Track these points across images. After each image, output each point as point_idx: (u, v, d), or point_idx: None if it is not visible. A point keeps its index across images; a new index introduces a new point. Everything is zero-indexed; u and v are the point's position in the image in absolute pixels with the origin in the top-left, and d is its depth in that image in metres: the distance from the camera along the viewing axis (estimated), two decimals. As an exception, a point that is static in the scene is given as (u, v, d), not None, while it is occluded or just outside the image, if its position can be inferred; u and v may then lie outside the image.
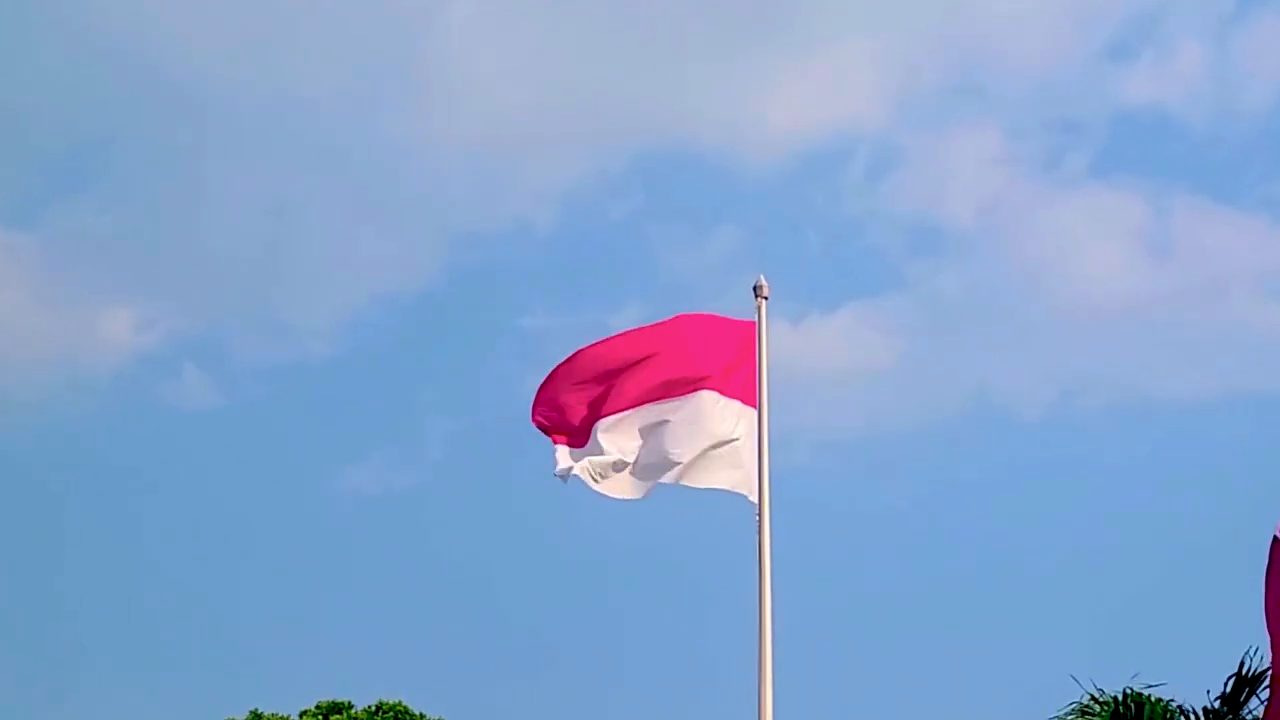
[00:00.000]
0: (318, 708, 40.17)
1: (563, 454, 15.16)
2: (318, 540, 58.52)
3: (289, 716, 39.99)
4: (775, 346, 15.30)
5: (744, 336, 15.25)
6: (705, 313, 15.62)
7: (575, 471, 14.95)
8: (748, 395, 15.13)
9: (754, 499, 14.66)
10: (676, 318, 15.61)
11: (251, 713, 40.07)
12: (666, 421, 15.11)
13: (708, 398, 15.19)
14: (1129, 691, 19.70)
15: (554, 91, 65.75)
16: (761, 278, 15.33)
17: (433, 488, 61.77)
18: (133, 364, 65.63)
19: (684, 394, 15.21)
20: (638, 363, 15.32)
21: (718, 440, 15.05)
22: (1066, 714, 19.81)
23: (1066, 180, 66.41)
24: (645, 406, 15.19)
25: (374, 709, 40.67)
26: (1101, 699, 19.75)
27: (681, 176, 67.19)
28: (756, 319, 15.22)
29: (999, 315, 64.77)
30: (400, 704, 40.91)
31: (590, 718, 49.42)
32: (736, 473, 14.95)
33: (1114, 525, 56.60)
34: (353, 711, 40.21)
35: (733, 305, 15.57)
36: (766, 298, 15.31)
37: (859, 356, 64.15)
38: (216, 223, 67.03)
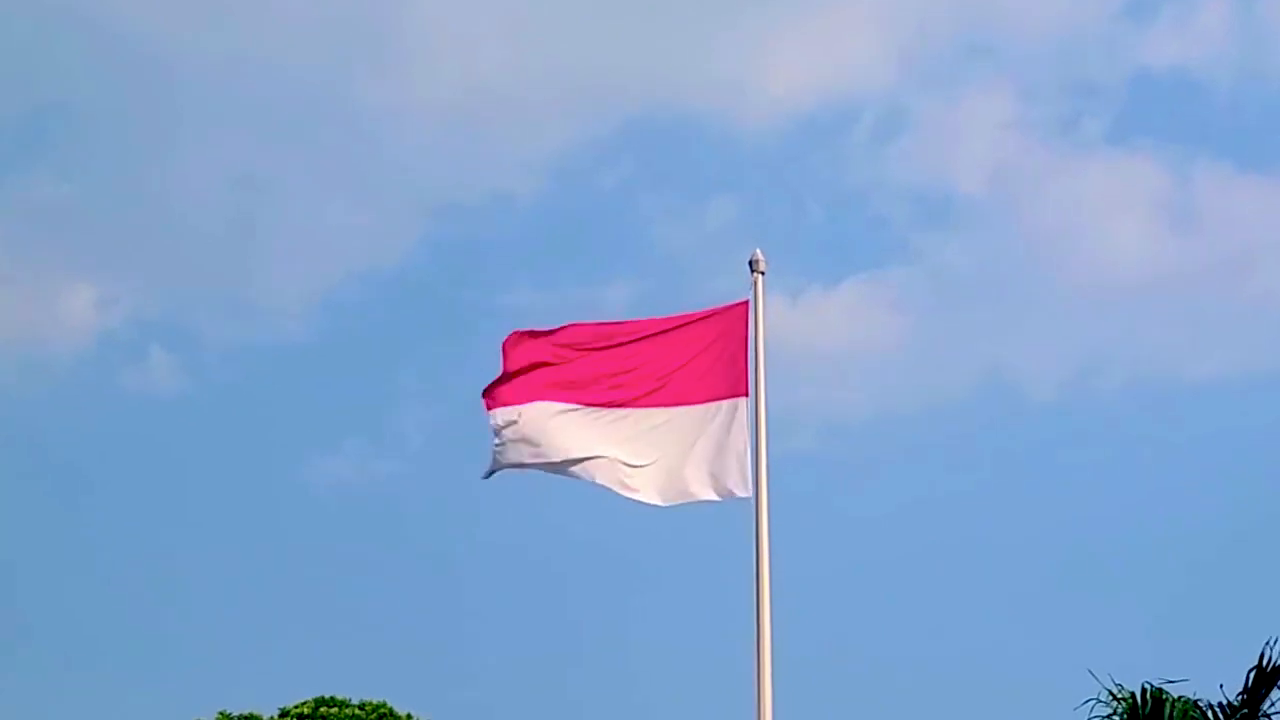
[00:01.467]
0: (311, 701, 40.24)
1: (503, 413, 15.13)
2: (290, 532, 58.50)
3: (261, 716, 40.01)
4: (773, 325, 15.31)
5: (735, 321, 15.24)
6: (704, 310, 15.51)
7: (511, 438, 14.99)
8: (734, 387, 15.12)
9: (738, 492, 14.67)
10: (680, 326, 15.48)
11: (220, 714, 40.10)
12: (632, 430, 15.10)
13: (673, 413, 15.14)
14: (1147, 687, 19.72)
15: (537, 54, 65.62)
16: (758, 251, 15.27)
17: (412, 477, 61.79)
18: (94, 346, 65.55)
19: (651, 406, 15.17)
20: (620, 358, 15.29)
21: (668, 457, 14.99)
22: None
23: (1083, 146, 66.39)
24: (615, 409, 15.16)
25: (357, 707, 40.72)
26: (1120, 694, 19.77)
27: (674, 143, 67.13)
28: (752, 296, 15.20)
29: (1011, 290, 64.76)
30: (384, 704, 40.96)
31: (583, 718, 49.53)
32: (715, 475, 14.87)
33: (1132, 512, 56.67)
34: (349, 709, 40.31)
35: (729, 280, 15.53)
36: (763, 273, 15.25)
37: (863, 334, 64.15)
38: (183, 194, 66.91)
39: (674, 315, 15.50)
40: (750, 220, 61.00)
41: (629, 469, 14.93)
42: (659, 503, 14.90)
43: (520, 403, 15.20)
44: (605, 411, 15.14)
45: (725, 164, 66.45)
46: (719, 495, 14.72)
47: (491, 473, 15.28)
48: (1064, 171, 66.11)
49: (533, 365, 15.33)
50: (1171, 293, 63.19)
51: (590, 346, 15.38)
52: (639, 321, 15.52)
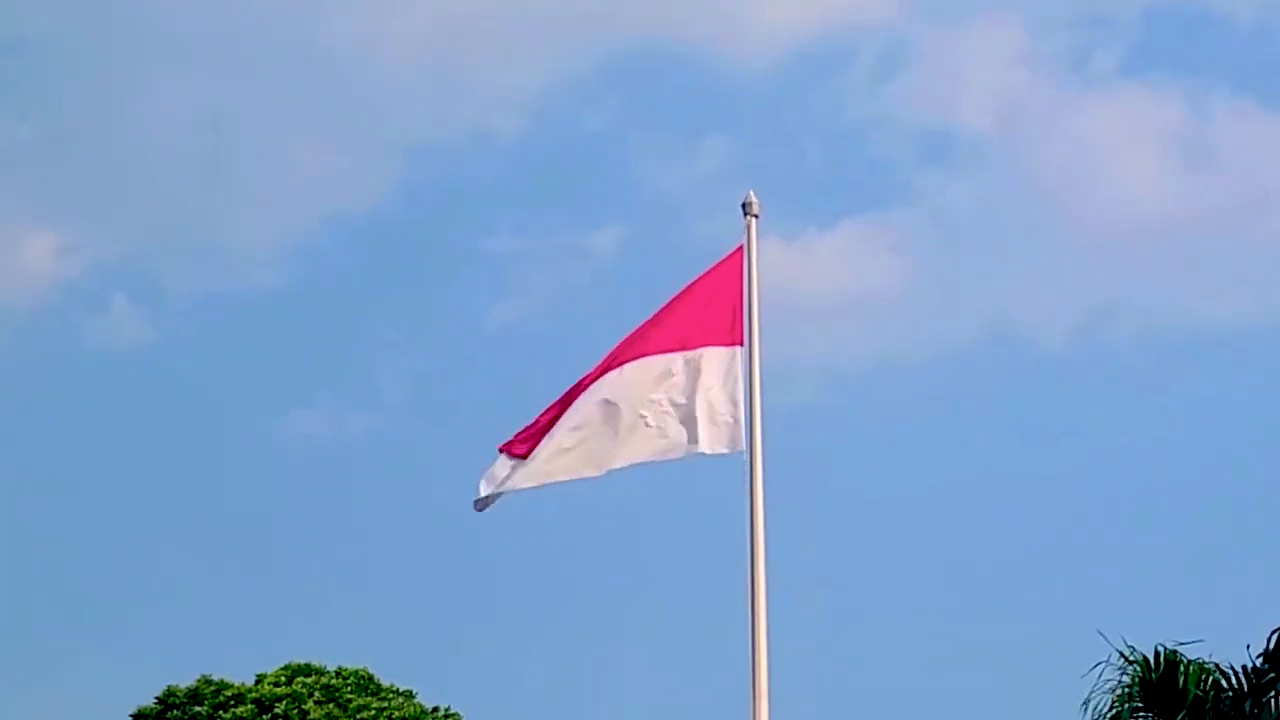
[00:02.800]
0: (284, 669, 40.30)
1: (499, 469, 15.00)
2: (261, 491, 58.52)
3: (242, 684, 40.07)
4: (766, 269, 15.21)
5: (728, 271, 15.13)
6: (695, 279, 15.38)
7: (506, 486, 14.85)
8: (730, 334, 15.00)
9: (732, 447, 14.60)
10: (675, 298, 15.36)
11: (201, 678, 40.18)
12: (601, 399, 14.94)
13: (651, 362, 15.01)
14: (1161, 649, 19.74)
15: (514, -19, 65.20)
16: (751, 193, 15.15)
17: (390, 432, 61.74)
18: (54, 295, 65.36)
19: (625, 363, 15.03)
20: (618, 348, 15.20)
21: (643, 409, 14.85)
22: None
23: (1095, 81, 66.16)
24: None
25: (337, 671, 40.81)
26: (1132, 657, 19.78)
27: (663, 79, 66.87)
28: (745, 240, 15.11)
29: (1019, 233, 64.65)
30: (364, 670, 41.04)
31: (576, 692, 49.64)
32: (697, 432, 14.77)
33: (1144, 464, 56.76)
34: (324, 676, 40.36)
35: (722, 224, 15.45)
36: (757, 216, 15.13)
37: (861, 278, 64.05)
38: (147, 135, 66.53)
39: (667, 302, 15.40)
40: (744, 161, 60.87)
41: (627, 438, 14.81)
42: (653, 459, 14.83)
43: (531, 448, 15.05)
44: (596, 384, 15.00)
45: (717, 101, 66.23)
46: (711, 450, 14.66)
47: (487, 503, 15.10)
48: (1074, 108, 65.96)
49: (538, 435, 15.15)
50: (1186, 235, 63.12)
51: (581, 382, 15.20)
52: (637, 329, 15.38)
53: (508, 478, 14.88)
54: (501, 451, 15.04)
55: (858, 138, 66.77)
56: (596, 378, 14.98)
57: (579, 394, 14.98)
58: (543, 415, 15.07)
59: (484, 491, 14.93)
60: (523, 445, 14.98)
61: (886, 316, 63.69)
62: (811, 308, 56.94)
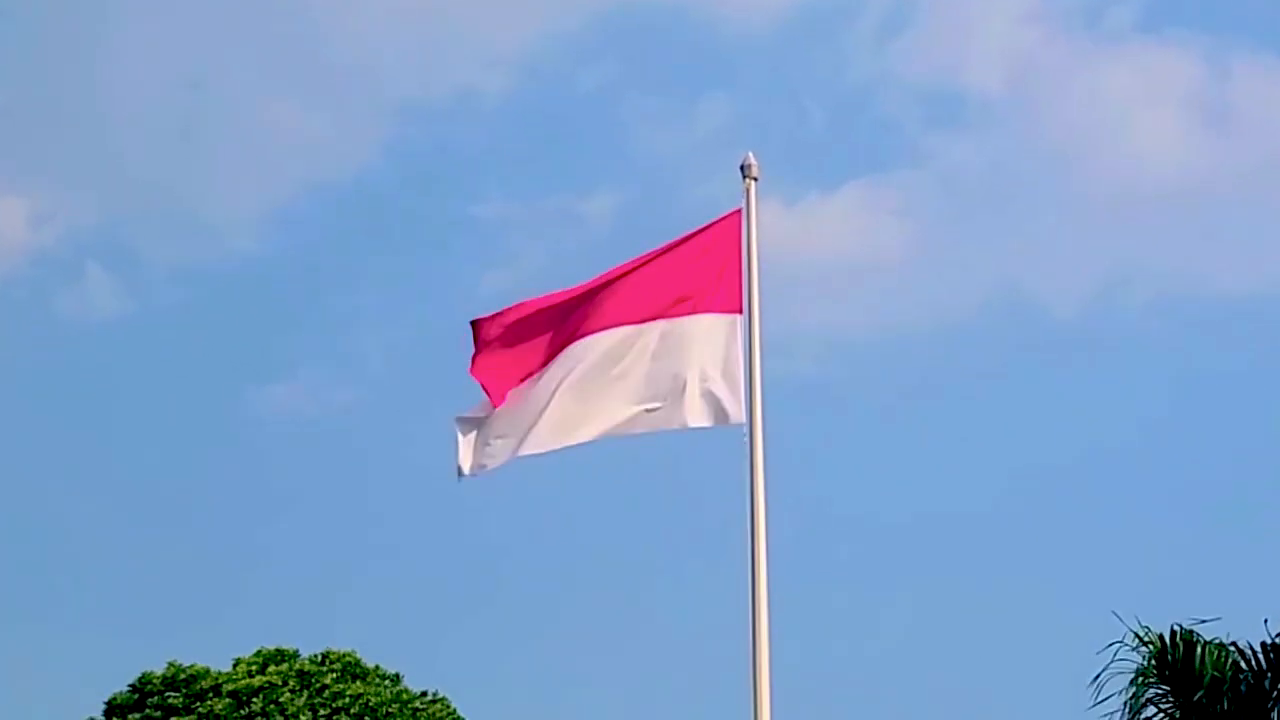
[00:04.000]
0: (257, 654, 40.37)
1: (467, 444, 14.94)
2: (241, 468, 58.57)
3: (216, 670, 40.13)
4: (766, 234, 15.19)
5: (724, 233, 15.14)
6: (691, 231, 15.36)
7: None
8: (727, 302, 14.97)
9: (731, 419, 14.57)
10: (665, 251, 15.32)
11: (170, 664, 40.23)
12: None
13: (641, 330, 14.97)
14: (1177, 628, 19.77)
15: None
16: (750, 155, 15.18)
17: (373, 405, 61.79)
18: (26, 265, 65.38)
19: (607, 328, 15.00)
20: (601, 296, 15.12)
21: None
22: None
23: (1109, 38, 66.07)
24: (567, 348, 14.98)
25: (320, 658, 40.88)
26: (1146, 637, 19.82)
27: (659, 37, 66.78)
28: (744, 203, 15.09)
29: (1030, 197, 64.63)
30: (351, 654, 41.10)
31: (570, 672, 49.74)
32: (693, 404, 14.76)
33: (1160, 436, 56.84)
34: (298, 662, 40.41)
35: (720, 188, 15.45)
36: (756, 178, 15.14)
37: (865, 245, 64.04)
38: (122, 98, 66.49)
39: (658, 247, 15.38)
40: (743, 122, 60.81)
41: (616, 406, 14.79)
42: (647, 430, 14.83)
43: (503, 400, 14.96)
44: (584, 342, 14.95)
45: (716, 60, 66.20)
46: (712, 422, 14.66)
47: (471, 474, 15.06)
48: (1088, 66, 65.92)
49: (513, 344, 15.10)
50: (1205, 199, 63.07)
51: (568, 303, 15.15)
52: (621, 265, 15.33)
53: (489, 445, 14.82)
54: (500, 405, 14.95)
55: (862, 98, 66.80)
56: (582, 335, 14.93)
57: (561, 347, 14.95)
58: (522, 352, 14.99)
59: (468, 468, 14.89)
60: (499, 390, 14.90)
61: (891, 284, 63.75)
62: (812, 275, 56.98)
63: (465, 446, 14.90)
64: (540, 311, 15.14)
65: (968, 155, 65.66)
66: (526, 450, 14.76)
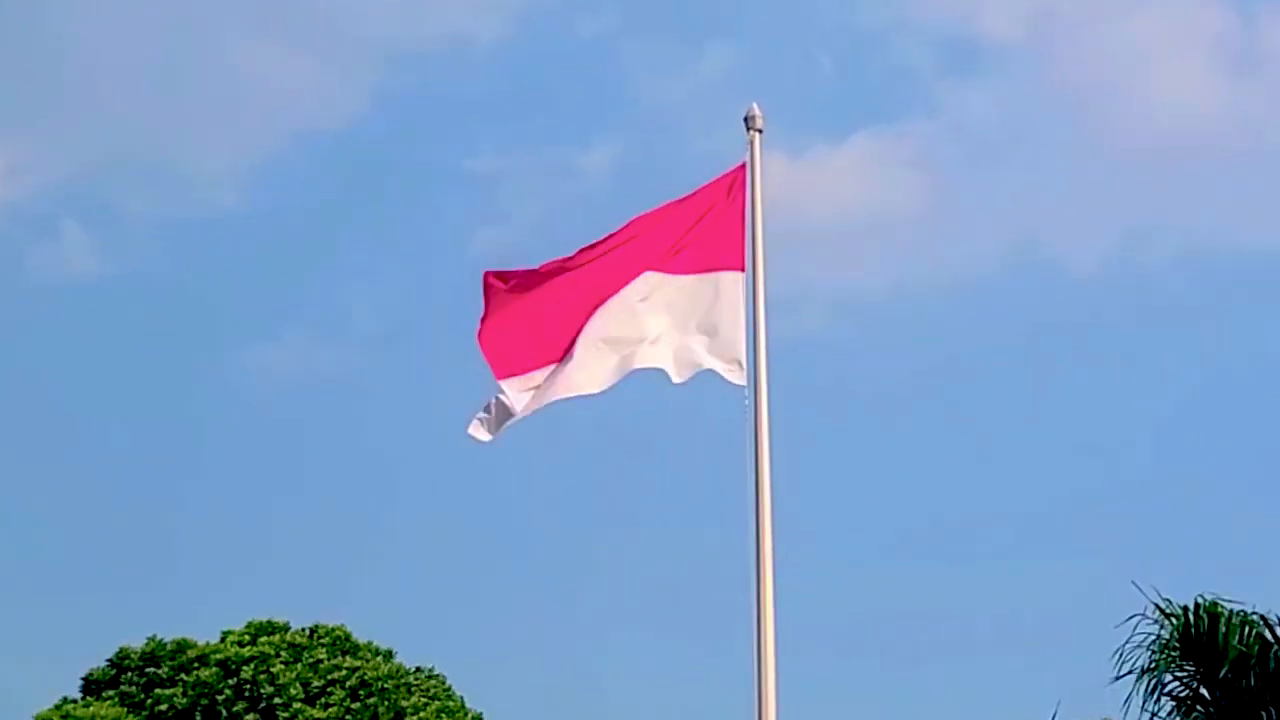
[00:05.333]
0: (247, 628, 40.47)
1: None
2: (223, 433, 58.51)
3: (202, 641, 40.22)
4: (771, 188, 15.18)
5: (728, 188, 15.10)
6: (697, 189, 15.36)
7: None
8: (729, 258, 14.97)
9: (732, 380, 14.60)
10: (669, 207, 15.34)
11: (150, 639, 40.33)
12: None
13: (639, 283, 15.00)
14: (1201, 601, 19.78)
15: None
16: (754, 106, 15.24)
17: (362, 367, 61.77)
18: (-1, 220, 65.24)
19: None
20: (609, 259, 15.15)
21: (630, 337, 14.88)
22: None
23: (1132, -19, 65.80)
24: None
25: (309, 631, 40.98)
26: (1169, 610, 19.83)
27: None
28: (748, 156, 15.08)
29: (1048, 148, 64.54)
30: (342, 628, 41.20)
31: (566, 647, 49.79)
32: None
33: (1184, 398, 56.82)
34: (289, 634, 40.52)
35: (725, 140, 15.47)
36: (760, 130, 15.19)
37: (875, 198, 63.92)
38: (99, 46, 66.37)
39: (660, 205, 15.40)
40: (750, 70, 60.66)
41: (626, 349, 14.82)
42: (645, 366, 14.87)
43: (530, 369, 14.99)
44: (595, 308, 15.00)
45: (720, 5, 65.99)
46: (710, 366, 14.70)
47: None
48: (1110, 11, 65.79)
49: (524, 315, 15.12)
50: (1231, 149, 62.92)
51: (576, 265, 15.18)
52: (623, 228, 15.35)
53: (509, 408, 14.84)
54: (504, 377, 14.97)
55: (873, 44, 66.75)
56: (589, 301, 14.95)
57: (561, 295, 14.98)
58: (530, 325, 15.02)
59: (486, 433, 14.90)
60: (520, 357, 14.94)
61: (902, 240, 63.70)
62: (820, 230, 56.87)
63: (481, 423, 14.93)
64: (544, 280, 15.16)
65: (984, 104, 65.68)
66: (532, 407, 14.79)
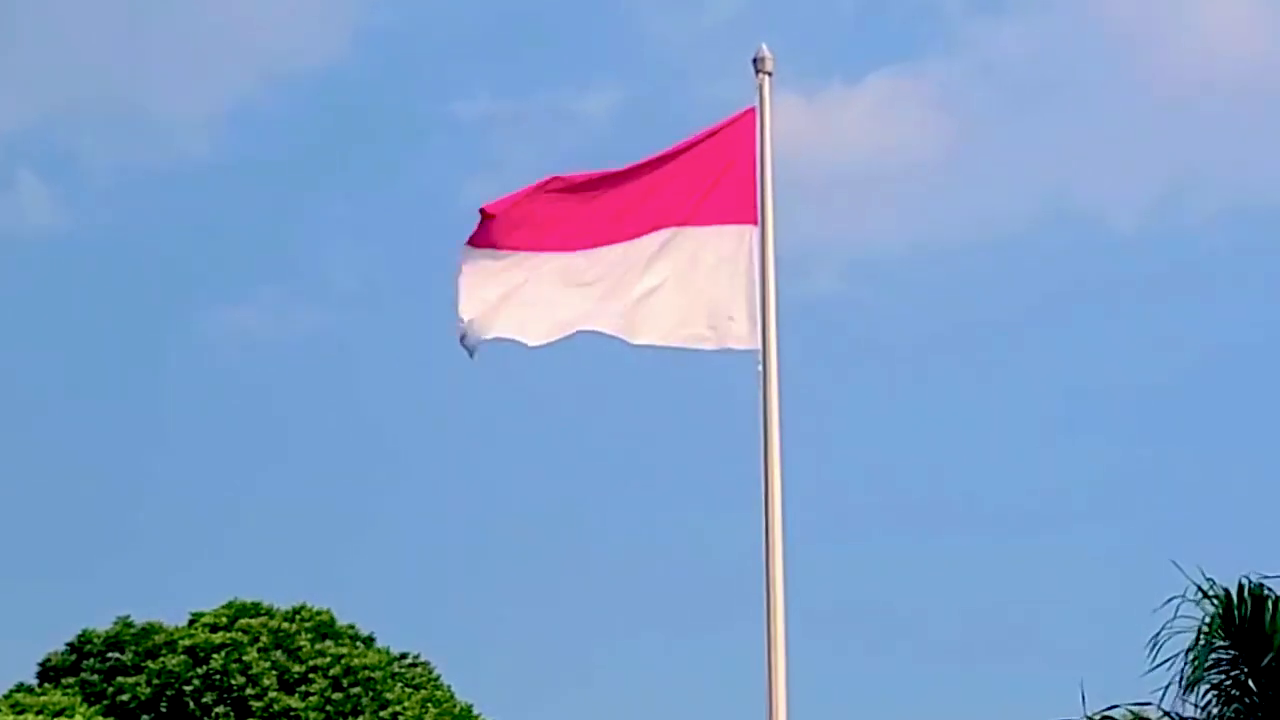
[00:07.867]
0: (227, 606, 40.59)
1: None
2: (192, 399, 58.59)
3: (174, 627, 40.31)
4: (781, 133, 15.19)
5: (737, 135, 15.12)
6: (705, 130, 15.37)
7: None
8: (740, 211, 14.98)
9: (741, 343, 14.62)
10: (678, 153, 15.34)
11: (118, 620, 40.41)
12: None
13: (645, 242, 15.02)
14: (1245, 582, 19.83)
15: None
16: (764, 47, 15.24)
17: (343, 330, 61.83)
18: (-51, 173, 65.21)
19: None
20: (615, 197, 15.15)
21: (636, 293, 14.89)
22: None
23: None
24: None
25: (292, 613, 41.10)
26: (1211, 591, 19.88)
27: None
28: (757, 101, 15.09)
29: (1082, 91, 64.51)
30: (326, 612, 41.33)
31: (563, 623, 49.95)
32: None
33: (1228, 361, 56.80)
34: (270, 619, 40.64)
35: (734, 84, 15.51)
36: (770, 73, 15.19)
37: (895, 144, 63.80)
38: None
39: (673, 146, 15.41)
40: (761, 9, 60.51)
41: (624, 307, 14.85)
42: (657, 342, 14.88)
43: (507, 249, 14.96)
44: (596, 252, 15.02)
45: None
46: (719, 344, 14.73)
47: (473, 349, 14.98)
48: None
49: (517, 214, 15.13)
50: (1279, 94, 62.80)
51: (580, 189, 15.21)
52: (634, 164, 15.37)
53: (505, 301, 14.79)
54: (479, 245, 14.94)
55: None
56: (582, 247, 14.97)
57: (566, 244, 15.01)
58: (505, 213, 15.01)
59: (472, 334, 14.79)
60: (499, 236, 14.92)
61: (925, 190, 63.65)
62: (835, 180, 56.78)
63: (469, 289, 14.80)
64: (561, 189, 15.16)
65: (1012, 43, 65.59)
66: (532, 339, 14.78)
